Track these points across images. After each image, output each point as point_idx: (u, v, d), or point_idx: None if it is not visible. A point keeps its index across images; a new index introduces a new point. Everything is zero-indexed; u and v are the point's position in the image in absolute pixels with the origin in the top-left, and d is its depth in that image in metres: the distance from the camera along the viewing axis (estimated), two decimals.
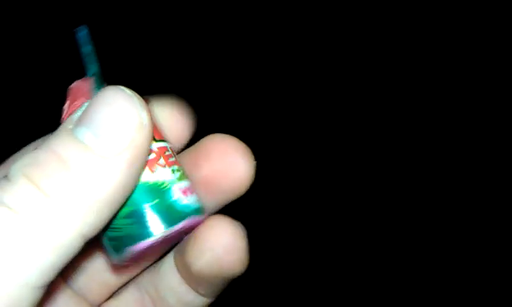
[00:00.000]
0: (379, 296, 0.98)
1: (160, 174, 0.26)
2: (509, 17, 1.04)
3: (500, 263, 0.97)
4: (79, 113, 0.23)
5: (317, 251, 1.00)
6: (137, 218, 0.25)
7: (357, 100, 1.06)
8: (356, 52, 1.06)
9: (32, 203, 0.21)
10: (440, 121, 1.04)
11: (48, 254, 0.21)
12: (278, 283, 0.98)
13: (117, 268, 0.31)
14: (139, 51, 0.99)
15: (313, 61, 1.07)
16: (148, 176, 0.25)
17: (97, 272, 0.31)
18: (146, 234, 0.25)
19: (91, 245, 0.27)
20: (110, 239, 0.26)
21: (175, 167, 0.27)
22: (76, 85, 0.27)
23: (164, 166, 0.26)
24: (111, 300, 0.32)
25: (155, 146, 0.26)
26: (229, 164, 0.28)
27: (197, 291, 0.30)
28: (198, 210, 0.27)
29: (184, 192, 0.26)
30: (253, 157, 0.29)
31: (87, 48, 0.26)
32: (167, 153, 0.27)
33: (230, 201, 0.30)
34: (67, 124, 0.23)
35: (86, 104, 0.24)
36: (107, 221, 0.23)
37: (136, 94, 0.24)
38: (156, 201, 0.25)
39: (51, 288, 0.28)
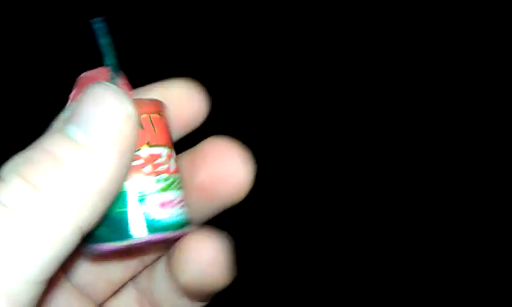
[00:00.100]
0: (379, 296, 0.98)
1: (139, 182, 0.26)
2: (509, 17, 1.03)
3: (500, 263, 0.97)
4: (68, 112, 0.24)
5: (316, 252, 1.00)
6: (105, 221, 0.26)
7: (356, 100, 1.06)
8: (355, 53, 1.06)
9: (27, 200, 0.22)
10: (439, 121, 1.05)
11: (46, 249, 0.22)
12: (277, 283, 0.98)
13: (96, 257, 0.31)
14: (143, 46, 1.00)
15: (313, 61, 1.07)
16: (125, 182, 0.26)
17: (104, 269, 0.31)
18: (109, 238, 0.26)
19: None
20: None
21: (164, 176, 0.27)
22: (86, 75, 0.27)
23: (148, 174, 0.26)
24: (113, 298, 0.32)
25: (147, 152, 0.26)
26: (227, 169, 0.28)
27: (188, 298, 0.30)
28: (173, 226, 0.27)
29: (162, 205, 0.26)
30: (252, 161, 0.28)
31: (104, 40, 0.27)
32: (159, 160, 0.26)
33: (228, 206, 0.29)
34: (58, 124, 0.24)
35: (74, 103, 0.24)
36: (102, 214, 0.24)
37: (121, 88, 0.24)
38: (124, 209, 0.26)
39: (55, 286, 0.29)
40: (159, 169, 0.26)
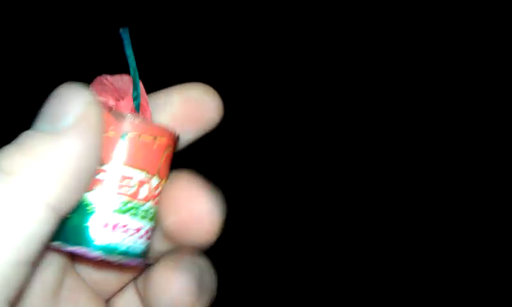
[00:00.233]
0: (379, 296, 0.98)
1: (97, 195, 0.26)
2: (509, 17, 1.04)
3: (500, 263, 0.97)
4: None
5: (316, 253, 1.00)
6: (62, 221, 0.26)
7: (356, 100, 1.06)
8: (355, 53, 1.07)
9: None
10: (439, 121, 1.04)
11: (20, 228, 0.22)
12: (277, 284, 0.98)
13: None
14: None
15: (312, 61, 1.07)
16: (87, 192, 0.26)
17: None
18: (58, 238, 0.26)
19: None
20: None
21: (125, 199, 0.26)
22: (105, 77, 0.28)
23: (109, 192, 0.26)
24: (120, 294, 0.32)
25: (121, 171, 0.26)
26: (194, 216, 0.27)
27: None
28: (118, 250, 0.26)
29: (114, 227, 0.26)
30: (222, 202, 0.28)
31: (129, 49, 0.28)
32: (126, 182, 0.26)
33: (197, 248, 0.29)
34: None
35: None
36: (75, 195, 0.24)
37: (86, 86, 0.26)
38: (74, 215, 0.26)
39: (63, 280, 0.29)
40: (123, 190, 0.26)
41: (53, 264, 0.28)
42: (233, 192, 1.03)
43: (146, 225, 0.27)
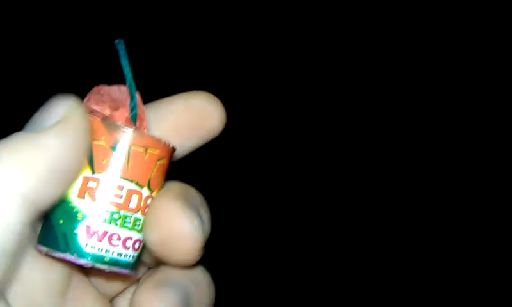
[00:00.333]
0: (379, 296, 0.97)
1: (85, 204, 0.26)
2: (509, 17, 1.03)
3: (500, 263, 0.96)
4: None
5: (316, 254, 1.00)
6: (44, 223, 0.27)
7: (355, 101, 1.06)
8: (355, 53, 1.07)
9: None
10: (439, 121, 1.04)
11: None
12: (277, 285, 0.98)
13: None
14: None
15: (315, 68, 1.07)
16: (74, 197, 0.26)
17: None
18: (39, 240, 0.27)
19: None
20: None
21: (112, 208, 0.26)
22: (102, 87, 0.28)
23: (98, 200, 0.26)
24: (124, 293, 0.32)
25: (111, 181, 0.26)
26: (174, 234, 0.27)
27: None
28: (103, 259, 0.26)
29: (94, 233, 0.26)
30: (207, 221, 0.28)
31: (124, 59, 0.28)
32: (120, 192, 0.26)
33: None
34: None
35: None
36: (53, 188, 0.25)
37: (74, 96, 0.27)
38: (62, 221, 0.26)
39: (70, 280, 0.29)
40: (113, 200, 0.26)
41: (60, 264, 0.28)
42: (234, 200, 1.03)
43: (135, 235, 0.27)
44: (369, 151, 1.05)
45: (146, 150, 0.27)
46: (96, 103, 0.28)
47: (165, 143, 0.27)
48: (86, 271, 0.31)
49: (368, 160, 1.05)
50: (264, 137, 1.04)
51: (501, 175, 1.01)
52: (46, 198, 0.25)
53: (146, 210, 0.27)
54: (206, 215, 0.28)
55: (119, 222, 0.26)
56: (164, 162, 0.28)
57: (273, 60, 1.08)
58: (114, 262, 0.27)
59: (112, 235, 0.26)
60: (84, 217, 0.26)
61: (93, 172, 0.26)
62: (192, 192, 0.29)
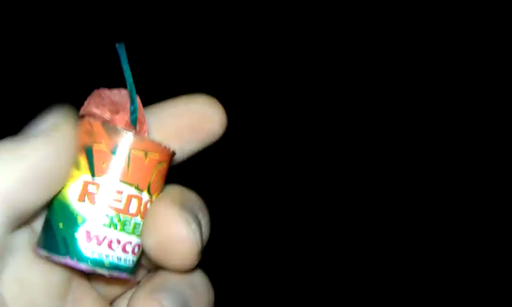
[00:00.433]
0: (378, 296, 0.97)
1: (85, 208, 0.26)
2: (509, 17, 1.03)
3: (500, 263, 0.96)
4: None
5: (317, 259, 1.00)
6: (45, 226, 0.27)
7: (355, 101, 1.06)
8: (355, 53, 1.07)
9: None
10: (439, 121, 1.04)
11: None
12: (277, 289, 0.98)
13: None
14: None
15: (312, 66, 1.07)
16: (74, 200, 0.26)
17: None
18: (39, 243, 0.27)
19: None
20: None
21: (111, 213, 0.26)
22: (103, 90, 0.28)
23: (97, 205, 0.26)
24: (122, 298, 0.32)
25: (111, 185, 0.26)
26: (171, 240, 0.27)
27: None
28: (102, 263, 0.26)
29: (94, 238, 0.26)
30: (206, 226, 0.28)
31: (125, 63, 0.28)
32: (120, 196, 0.26)
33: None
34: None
35: None
36: (35, 190, 0.25)
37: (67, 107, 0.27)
38: (61, 225, 0.26)
39: (70, 282, 0.29)
40: (112, 204, 0.26)
41: (60, 267, 0.28)
42: (234, 204, 1.03)
43: (135, 240, 0.27)
44: (369, 151, 1.05)
45: (146, 154, 0.27)
46: (96, 107, 0.27)
47: (165, 147, 0.27)
48: (85, 274, 0.31)
49: (368, 160, 1.05)
50: (265, 141, 1.04)
51: (501, 175, 1.01)
52: (26, 202, 0.25)
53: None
54: (205, 219, 0.28)
55: (119, 226, 0.26)
56: (164, 166, 0.28)
57: (274, 64, 1.08)
58: (113, 266, 0.27)
59: (112, 239, 0.26)
60: (84, 221, 0.26)
61: (93, 176, 0.26)
62: (192, 196, 0.28)
